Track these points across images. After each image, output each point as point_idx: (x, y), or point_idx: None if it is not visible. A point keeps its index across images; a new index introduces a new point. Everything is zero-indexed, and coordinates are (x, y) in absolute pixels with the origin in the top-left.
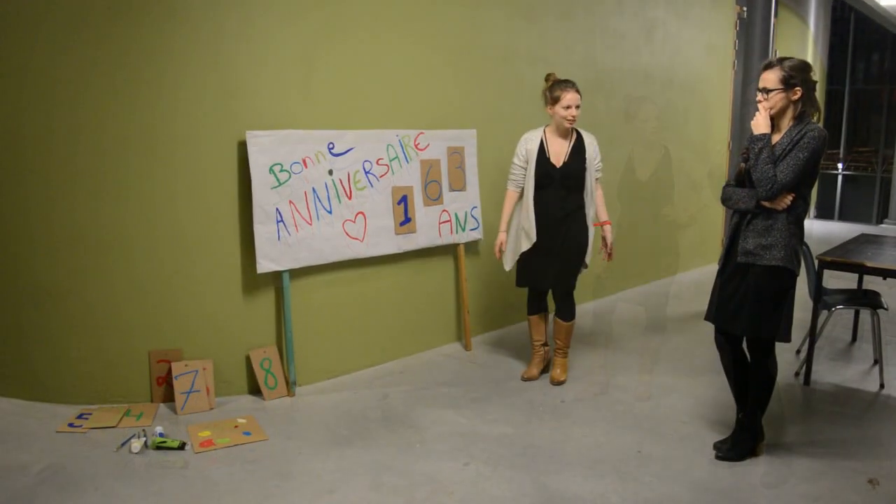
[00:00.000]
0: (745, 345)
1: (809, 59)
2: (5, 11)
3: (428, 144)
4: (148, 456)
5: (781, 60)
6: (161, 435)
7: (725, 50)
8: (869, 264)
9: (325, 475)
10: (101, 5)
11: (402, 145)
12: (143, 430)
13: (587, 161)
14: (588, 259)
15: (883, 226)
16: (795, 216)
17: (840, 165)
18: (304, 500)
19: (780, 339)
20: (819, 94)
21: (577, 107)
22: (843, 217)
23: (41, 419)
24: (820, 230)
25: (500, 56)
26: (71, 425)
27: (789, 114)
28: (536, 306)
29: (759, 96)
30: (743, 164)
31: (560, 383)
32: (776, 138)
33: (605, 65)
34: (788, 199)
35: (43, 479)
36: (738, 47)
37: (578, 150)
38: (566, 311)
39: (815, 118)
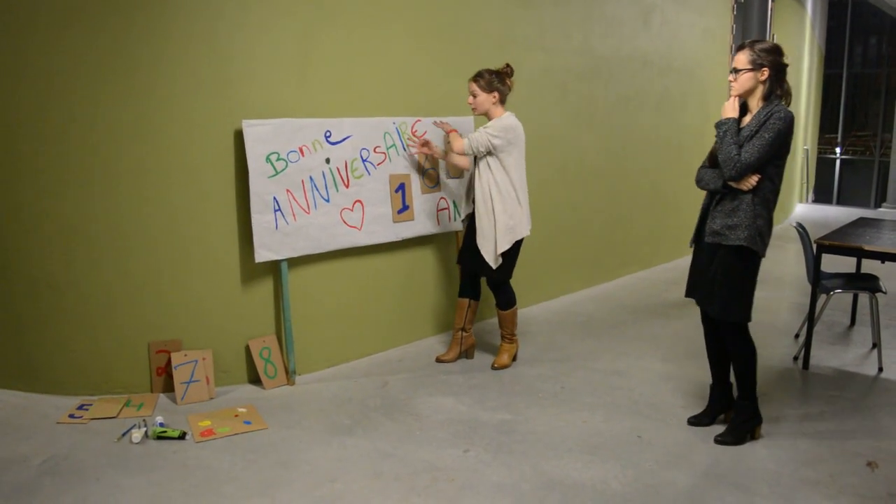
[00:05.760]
0: None
1: (807, 44)
2: None
3: (425, 132)
4: (148, 446)
5: (753, 43)
6: (161, 425)
7: (723, 35)
8: (867, 248)
9: (325, 463)
10: None
11: (399, 133)
12: (144, 421)
13: None
14: (492, 254)
15: (881, 209)
16: (762, 197)
17: (838, 150)
18: (305, 488)
19: (747, 319)
20: (816, 78)
21: (473, 95)
22: (842, 201)
23: (42, 411)
24: (818, 214)
25: (496, 43)
26: (71, 416)
27: (758, 94)
28: (462, 288)
29: (731, 77)
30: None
31: (501, 368)
32: (746, 120)
33: (602, 51)
34: (754, 180)
35: (44, 470)
36: (735, 32)
37: None
38: (499, 299)
39: (786, 102)
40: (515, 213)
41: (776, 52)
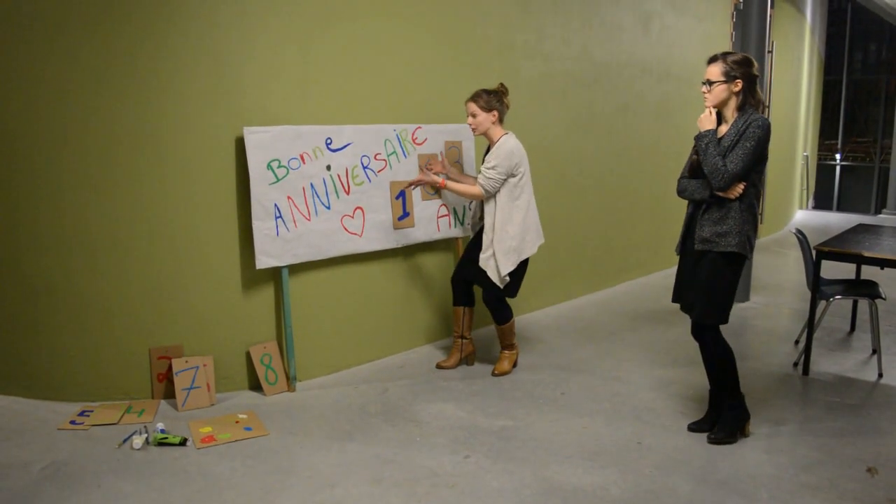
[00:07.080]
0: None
1: (806, 50)
2: None
3: (426, 139)
4: (149, 452)
5: (725, 55)
6: (162, 431)
7: (722, 41)
8: (867, 254)
9: (326, 469)
10: (97, 1)
11: (399, 140)
12: (145, 427)
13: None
14: (496, 275)
15: (881, 216)
16: (748, 203)
17: (838, 156)
18: (306, 494)
19: (721, 322)
20: (816, 84)
21: (472, 115)
22: (842, 207)
23: (42, 417)
24: (818, 220)
25: (496, 50)
26: (72, 423)
27: (732, 105)
28: (455, 297)
29: (703, 88)
30: (695, 157)
31: (501, 374)
32: (723, 130)
33: (601, 57)
34: (740, 188)
35: (45, 476)
36: (734, 38)
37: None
38: (494, 315)
39: (761, 110)
40: (520, 233)
41: (748, 63)
